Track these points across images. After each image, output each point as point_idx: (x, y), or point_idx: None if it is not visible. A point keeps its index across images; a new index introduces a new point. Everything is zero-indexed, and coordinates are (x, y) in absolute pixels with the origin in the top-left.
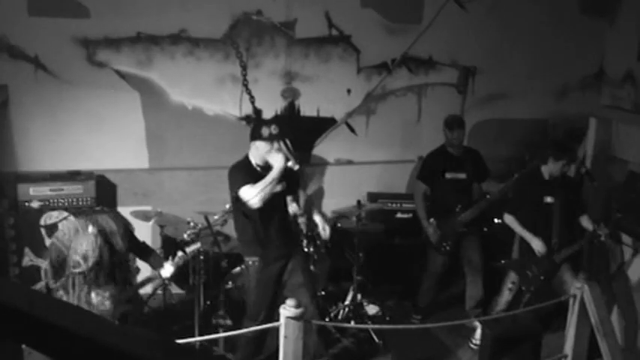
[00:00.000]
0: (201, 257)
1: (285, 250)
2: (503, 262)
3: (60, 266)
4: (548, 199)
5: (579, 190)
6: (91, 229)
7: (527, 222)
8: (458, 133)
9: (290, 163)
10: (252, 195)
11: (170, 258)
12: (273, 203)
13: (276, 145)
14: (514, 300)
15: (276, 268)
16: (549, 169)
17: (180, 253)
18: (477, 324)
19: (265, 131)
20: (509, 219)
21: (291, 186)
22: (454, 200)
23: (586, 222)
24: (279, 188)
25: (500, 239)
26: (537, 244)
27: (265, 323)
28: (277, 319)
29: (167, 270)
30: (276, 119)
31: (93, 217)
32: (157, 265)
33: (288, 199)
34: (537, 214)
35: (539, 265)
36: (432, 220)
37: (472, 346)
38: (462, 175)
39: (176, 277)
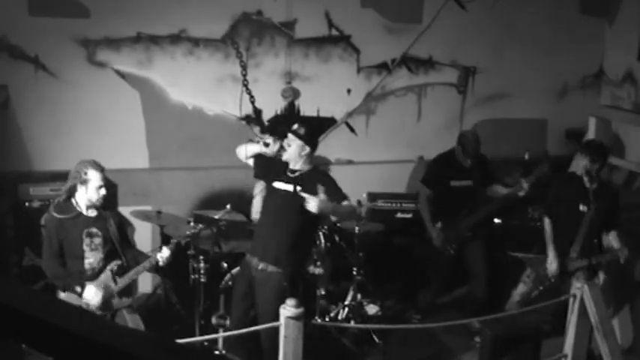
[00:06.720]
0: (201, 257)
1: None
2: (521, 255)
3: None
4: (581, 207)
5: (616, 203)
6: None
7: (555, 226)
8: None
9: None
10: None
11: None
12: (276, 204)
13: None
14: (527, 294)
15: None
16: (578, 165)
17: (173, 240)
18: (477, 325)
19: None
20: (546, 222)
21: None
22: (459, 205)
23: (614, 239)
24: (282, 187)
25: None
26: (552, 265)
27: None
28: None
29: (163, 254)
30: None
31: None
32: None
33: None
34: (567, 221)
35: None
36: (438, 224)
37: (475, 344)
38: (468, 182)
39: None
